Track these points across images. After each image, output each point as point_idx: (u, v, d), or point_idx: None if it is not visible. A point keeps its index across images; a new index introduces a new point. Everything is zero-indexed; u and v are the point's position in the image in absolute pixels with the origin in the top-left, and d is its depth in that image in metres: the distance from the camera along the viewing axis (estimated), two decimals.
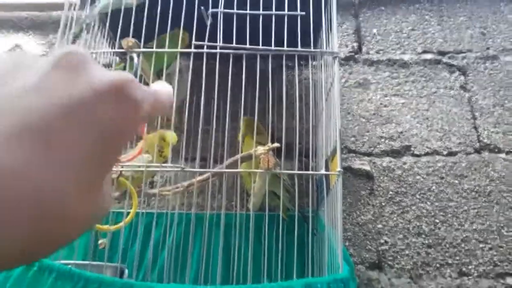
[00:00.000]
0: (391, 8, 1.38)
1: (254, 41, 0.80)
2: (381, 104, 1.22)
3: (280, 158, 0.90)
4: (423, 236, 1.04)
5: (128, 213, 0.77)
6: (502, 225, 1.04)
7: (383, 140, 1.16)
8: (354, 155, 1.15)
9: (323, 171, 0.84)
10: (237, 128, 1.05)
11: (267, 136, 1.02)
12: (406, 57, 1.29)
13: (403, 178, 1.11)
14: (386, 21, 1.36)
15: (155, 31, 0.83)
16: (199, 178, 0.88)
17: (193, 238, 0.86)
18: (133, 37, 0.83)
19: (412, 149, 1.15)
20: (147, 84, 0.90)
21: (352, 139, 1.17)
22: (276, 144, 0.82)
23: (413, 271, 1.01)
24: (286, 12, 0.82)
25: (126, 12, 0.85)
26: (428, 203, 1.08)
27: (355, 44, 1.32)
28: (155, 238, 0.91)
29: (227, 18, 0.83)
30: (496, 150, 1.13)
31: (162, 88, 0.26)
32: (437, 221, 1.06)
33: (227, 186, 0.89)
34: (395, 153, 1.15)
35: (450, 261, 1.01)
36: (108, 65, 1.05)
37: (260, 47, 0.81)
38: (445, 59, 1.27)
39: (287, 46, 0.80)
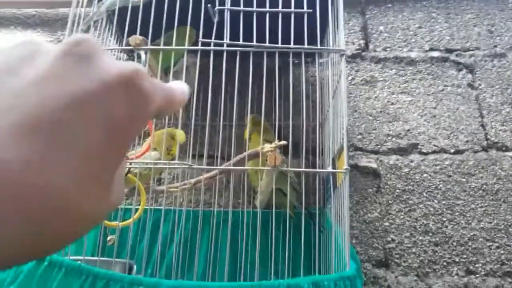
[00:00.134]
0: (398, 6, 1.37)
1: (261, 39, 0.80)
2: (388, 101, 1.21)
3: (287, 156, 0.90)
4: (430, 234, 1.04)
5: (136, 210, 0.78)
6: (509, 223, 1.04)
7: (390, 138, 1.16)
8: (361, 153, 1.15)
9: (330, 169, 0.84)
10: (244, 125, 1.05)
11: (274, 134, 1.02)
12: (413, 55, 1.28)
13: (410, 176, 1.11)
14: (393, 19, 1.35)
15: (162, 28, 0.84)
16: (206, 175, 0.89)
17: (200, 235, 0.86)
18: (140, 34, 0.83)
19: (419, 147, 1.14)
20: None
21: (359, 136, 1.17)
22: (283, 142, 0.82)
23: (420, 269, 1.01)
24: (292, 9, 0.82)
25: (134, 10, 0.85)
26: (435, 201, 1.07)
27: (362, 42, 1.32)
28: (163, 234, 0.91)
29: (234, 15, 0.83)
30: (504, 148, 1.13)
31: (177, 85, 0.25)
32: (444, 219, 1.05)
33: (234, 184, 0.89)
34: (402, 151, 1.14)
35: (457, 260, 1.01)
36: None
37: (267, 44, 0.81)
38: (452, 57, 1.27)
39: (294, 44, 0.80)
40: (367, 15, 1.36)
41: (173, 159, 0.93)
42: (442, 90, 1.22)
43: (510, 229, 1.03)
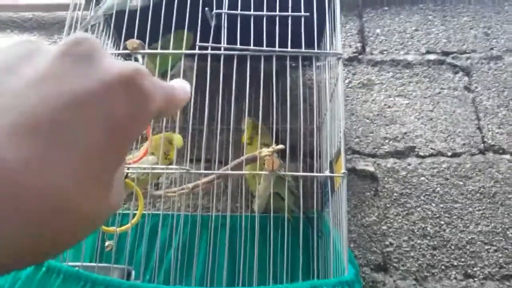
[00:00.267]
0: (395, 8, 1.37)
1: (258, 42, 0.80)
2: (385, 104, 1.22)
3: (284, 160, 0.90)
4: (428, 238, 1.04)
5: (134, 215, 0.78)
6: (507, 226, 1.04)
7: (387, 141, 1.16)
8: (358, 156, 1.15)
9: (327, 173, 0.84)
10: (241, 129, 1.05)
11: (271, 138, 1.02)
12: (409, 58, 1.28)
13: (408, 180, 1.11)
14: (389, 21, 1.35)
15: (159, 32, 0.83)
16: (204, 180, 0.88)
17: (198, 240, 0.86)
18: (137, 38, 0.83)
19: (417, 150, 1.15)
20: None
21: (356, 140, 1.17)
22: (280, 146, 0.82)
23: (418, 273, 1.01)
24: (290, 13, 0.82)
25: (131, 14, 0.85)
26: (433, 204, 1.08)
27: (359, 45, 1.32)
28: (161, 239, 0.91)
29: (231, 19, 0.83)
30: (501, 151, 1.13)
31: (179, 84, 0.25)
32: (442, 222, 1.06)
33: (232, 188, 0.89)
34: (400, 154, 1.15)
35: (455, 263, 1.01)
36: None
37: (264, 48, 0.81)
38: (449, 60, 1.27)
39: (291, 47, 0.80)
40: (364, 18, 1.37)
41: (170, 163, 0.92)
42: (439, 93, 1.22)
43: (508, 232, 1.03)
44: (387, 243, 1.04)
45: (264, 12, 0.83)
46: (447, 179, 1.10)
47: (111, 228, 0.76)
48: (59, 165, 0.17)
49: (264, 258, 0.79)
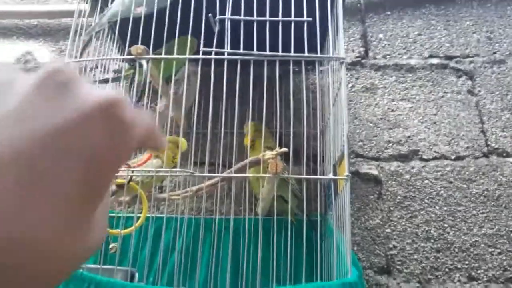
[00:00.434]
0: (397, 13, 1.38)
1: (261, 47, 0.81)
2: (388, 108, 1.22)
3: (288, 163, 0.90)
4: (432, 240, 1.04)
5: (138, 218, 0.78)
6: (511, 229, 1.04)
7: (390, 144, 1.16)
8: (362, 159, 1.15)
9: (331, 176, 0.84)
10: (244, 133, 1.05)
11: (275, 141, 1.02)
12: (412, 62, 1.29)
13: (411, 183, 1.11)
14: (392, 26, 1.36)
15: (163, 38, 0.84)
16: (208, 182, 0.89)
17: (202, 243, 0.86)
18: (142, 44, 0.84)
19: (420, 153, 1.15)
20: (156, 90, 0.91)
21: (360, 143, 1.17)
22: (284, 149, 0.82)
23: (422, 275, 1.00)
24: (292, 18, 0.83)
25: (135, 20, 0.86)
26: (437, 207, 1.07)
27: (362, 49, 1.33)
28: (165, 242, 0.91)
29: (235, 24, 0.84)
30: (504, 154, 1.13)
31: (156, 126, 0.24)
32: (446, 225, 1.05)
33: (236, 191, 0.90)
34: (403, 158, 1.15)
35: (459, 266, 1.01)
36: (118, 71, 1.06)
37: (267, 53, 0.81)
38: (452, 64, 1.27)
39: (294, 52, 0.81)
40: (367, 23, 1.37)
41: (174, 166, 0.93)
42: (442, 96, 1.22)
43: (511, 235, 1.03)
44: (391, 245, 1.04)
45: (267, 18, 0.84)
46: (450, 182, 1.10)
47: (116, 231, 0.77)
48: (33, 210, 0.16)
49: (267, 260, 0.79)
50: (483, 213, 1.06)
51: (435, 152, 1.14)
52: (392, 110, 1.21)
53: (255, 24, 0.84)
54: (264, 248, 0.76)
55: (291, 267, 0.79)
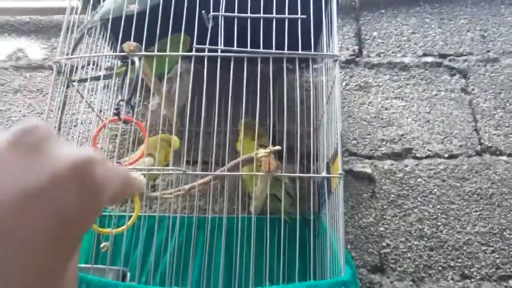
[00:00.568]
0: (392, 11, 1.38)
1: (255, 44, 0.81)
2: (382, 107, 1.22)
3: (281, 161, 0.90)
4: (425, 239, 1.04)
5: (130, 216, 0.77)
6: (504, 227, 1.04)
7: (384, 143, 1.16)
8: (355, 158, 1.15)
9: (324, 174, 0.84)
10: (237, 131, 1.05)
11: (268, 139, 1.02)
12: (406, 60, 1.29)
13: (405, 181, 1.11)
14: (386, 24, 1.36)
15: (156, 35, 0.84)
16: (200, 181, 0.88)
17: (195, 242, 0.86)
18: (134, 41, 0.83)
19: (414, 151, 1.15)
20: (149, 88, 0.90)
21: (354, 142, 1.17)
22: (277, 147, 0.82)
23: (415, 274, 1.00)
24: (286, 15, 0.83)
25: (128, 17, 0.85)
26: (430, 205, 1.08)
27: (356, 47, 1.33)
28: (157, 241, 0.91)
29: (228, 21, 0.83)
30: (498, 153, 1.13)
31: (137, 175, 0.24)
32: (439, 223, 1.05)
33: (229, 189, 0.89)
34: (397, 156, 1.15)
35: (452, 264, 1.01)
36: (110, 69, 1.05)
37: (261, 50, 0.81)
38: (445, 62, 1.28)
39: (288, 49, 0.80)
40: (361, 21, 1.37)
41: (167, 165, 0.92)
42: (436, 95, 1.22)
43: (504, 233, 1.03)
44: (384, 244, 1.04)
45: (261, 15, 0.84)
46: (444, 180, 1.10)
47: (107, 230, 0.76)
48: (5, 269, 0.15)
49: (260, 259, 0.79)
50: (476, 211, 1.06)
51: (428, 150, 1.15)
52: (386, 109, 1.21)
53: (249, 21, 0.83)
54: (257, 246, 0.76)
55: (284, 266, 0.79)
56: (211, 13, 0.84)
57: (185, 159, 0.85)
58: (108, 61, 1.09)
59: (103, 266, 0.74)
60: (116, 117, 0.79)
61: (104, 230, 0.78)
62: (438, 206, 1.07)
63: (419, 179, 1.11)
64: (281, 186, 0.84)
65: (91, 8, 0.95)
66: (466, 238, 1.03)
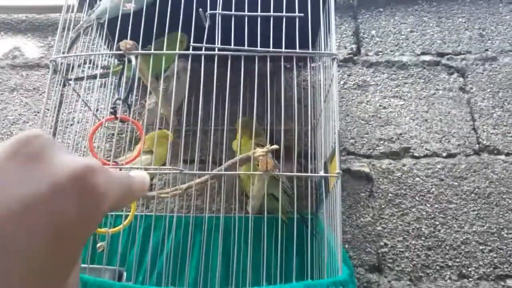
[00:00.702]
0: (390, 10, 1.38)
1: (253, 43, 0.80)
2: (380, 106, 1.22)
3: (279, 160, 0.90)
4: (423, 238, 1.04)
5: (126, 216, 0.77)
6: (502, 227, 1.04)
7: (382, 142, 1.16)
8: (353, 157, 1.15)
9: (322, 173, 0.84)
10: (235, 130, 1.04)
11: (266, 138, 1.01)
12: (404, 59, 1.29)
13: (403, 180, 1.11)
14: (384, 23, 1.36)
15: (153, 33, 0.83)
16: (198, 180, 0.88)
17: (192, 241, 0.86)
18: (131, 40, 0.83)
19: (412, 151, 1.15)
20: (146, 86, 0.89)
21: (351, 141, 1.17)
22: (275, 146, 0.81)
23: (413, 273, 1.00)
24: (284, 13, 0.82)
25: (124, 15, 0.84)
26: (428, 205, 1.07)
27: (354, 46, 1.32)
28: (154, 241, 0.91)
29: (225, 19, 0.83)
30: (496, 152, 1.13)
31: (138, 174, 0.24)
32: (437, 223, 1.05)
33: (226, 189, 0.89)
34: (395, 155, 1.14)
35: (450, 263, 1.01)
36: (106, 67, 1.05)
37: (259, 48, 0.80)
38: (444, 61, 1.27)
39: (286, 48, 0.80)
40: (359, 19, 1.37)
41: (164, 164, 0.92)
42: (434, 94, 1.22)
43: (502, 233, 1.03)
44: (382, 243, 1.04)
45: (258, 13, 0.83)
46: (442, 179, 1.10)
47: (103, 230, 0.76)
48: (5, 280, 0.15)
49: (258, 259, 0.79)
50: (474, 210, 1.06)
51: (426, 149, 1.14)
52: (384, 107, 1.21)
53: (246, 19, 0.83)
54: (254, 246, 0.75)
55: (282, 265, 0.79)
56: (208, 12, 0.83)
57: (182, 158, 0.84)
58: (105, 60, 1.09)
59: (100, 266, 0.74)
60: (112, 116, 0.79)
61: (100, 230, 0.77)
62: (436, 206, 1.07)
63: (417, 178, 1.11)
64: (279, 186, 0.83)
65: (88, 7, 0.95)
66: (464, 238, 1.03)
